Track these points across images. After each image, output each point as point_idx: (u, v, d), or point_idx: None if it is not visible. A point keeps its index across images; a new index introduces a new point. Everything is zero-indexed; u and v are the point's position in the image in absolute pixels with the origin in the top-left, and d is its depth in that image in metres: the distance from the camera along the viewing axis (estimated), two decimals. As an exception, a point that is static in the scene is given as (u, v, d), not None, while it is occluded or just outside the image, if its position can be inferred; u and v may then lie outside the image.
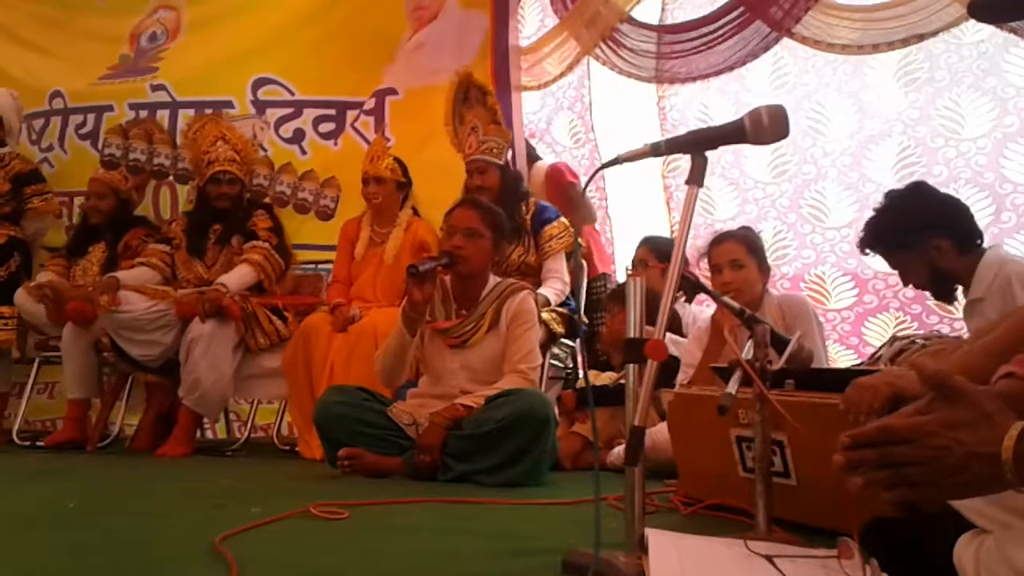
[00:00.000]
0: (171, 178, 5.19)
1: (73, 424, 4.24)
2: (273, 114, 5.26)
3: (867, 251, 2.92)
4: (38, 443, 4.28)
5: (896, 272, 3.03)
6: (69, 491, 2.62)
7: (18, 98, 5.17)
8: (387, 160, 4.22)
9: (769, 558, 1.27)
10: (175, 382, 4.12)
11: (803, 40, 4.46)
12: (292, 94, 5.29)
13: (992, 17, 1.40)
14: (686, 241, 1.46)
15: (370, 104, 5.16)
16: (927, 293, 4.13)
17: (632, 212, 5.12)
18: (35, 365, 4.58)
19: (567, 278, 4.01)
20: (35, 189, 4.94)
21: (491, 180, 4.05)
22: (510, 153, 4.40)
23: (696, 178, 1.47)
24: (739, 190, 4.74)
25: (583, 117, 5.25)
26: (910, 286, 2.99)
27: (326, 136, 5.22)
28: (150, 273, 4.31)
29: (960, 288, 2.82)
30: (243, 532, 1.79)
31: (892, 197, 2.89)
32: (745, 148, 4.61)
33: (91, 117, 5.47)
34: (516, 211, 4.00)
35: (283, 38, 5.36)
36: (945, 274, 2.77)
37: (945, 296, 2.88)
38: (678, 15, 4.91)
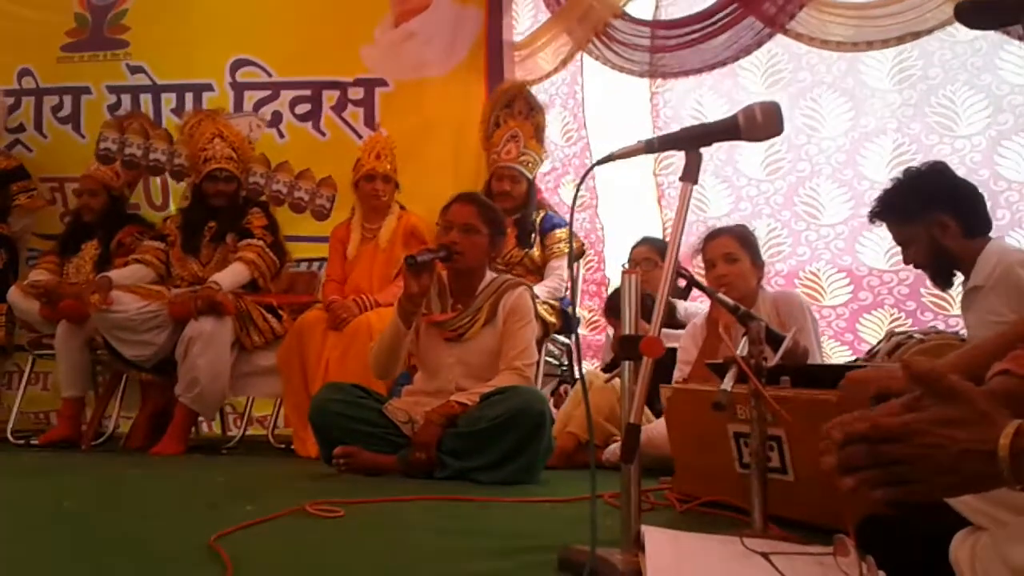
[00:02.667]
0: (167, 174, 5.18)
1: (67, 422, 4.24)
2: (251, 97, 5.23)
3: (875, 220, 2.90)
4: (32, 441, 4.27)
5: (896, 263, 3.01)
6: (63, 490, 2.61)
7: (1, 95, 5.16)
8: (392, 159, 4.24)
9: (765, 555, 1.27)
10: (170, 380, 4.11)
11: (797, 37, 4.46)
12: (269, 75, 5.26)
13: (978, 23, 1.40)
14: (681, 237, 1.46)
15: (358, 94, 5.13)
16: (921, 290, 4.18)
17: (624, 211, 5.13)
18: (29, 363, 4.58)
19: (566, 275, 4.16)
20: (21, 186, 4.94)
21: (519, 191, 4.24)
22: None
23: (690, 175, 1.46)
24: (732, 188, 4.74)
25: (575, 114, 5.23)
26: (910, 265, 2.96)
27: (303, 118, 5.19)
28: (144, 270, 4.31)
29: (959, 277, 2.81)
30: (238, 531, 1.78)
31: (909, 171, 2.89)
32: (738, 145, 4.62)
33: (68, 99, 5.41)
34: (530, 219, 4.24)
35: (260, 15, 5.30)
36: (945, 254, 2.75)
37: (942, 280, 2.86)
38: (672, 11, 4.91)
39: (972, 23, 1.41)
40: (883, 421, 0.87)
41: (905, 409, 0.89)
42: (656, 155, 4.73)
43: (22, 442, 4.28)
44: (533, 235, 4.17)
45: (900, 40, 4.22)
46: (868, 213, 2.92)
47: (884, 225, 2.91)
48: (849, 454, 0.87)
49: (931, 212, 2.74)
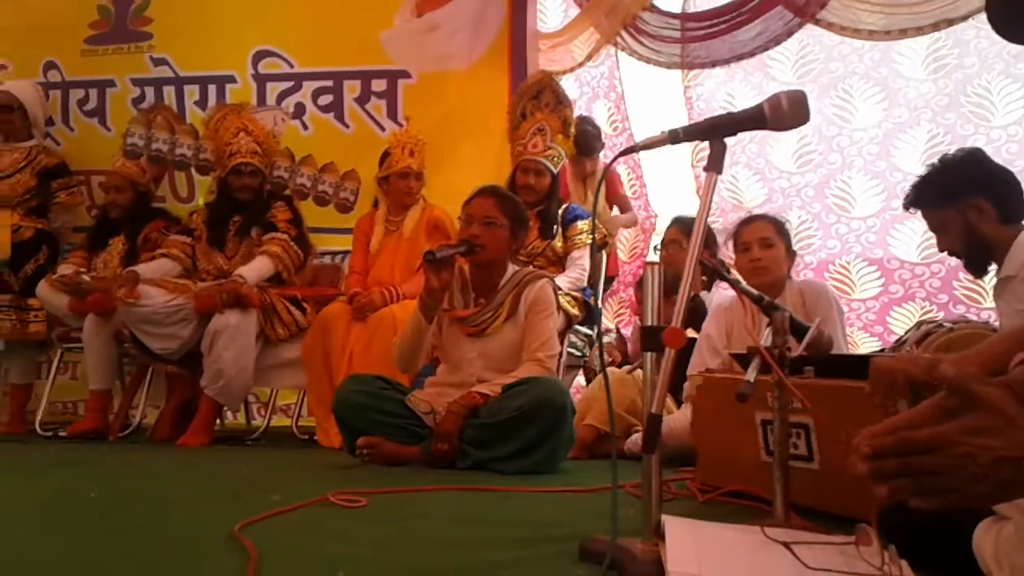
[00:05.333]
0: (192, 169, 5.21)
1: (94, 414, 4.28)
2: (274, 88, 5.24)
3: (911, 209, 2.87)
4: (60, 433, 4.32)
5: (927, 256, 2.94)
6: (90, 481, 2.63)
7: (40, 90, 5.21)
8: (423, 155, 4.26)
9: (787, 544, 1.25)
10: (195, 373, 4.15)
11: (828, 26, 4.40)
12: (291, 66, 5.25)
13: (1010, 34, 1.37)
14: (705, 227, 1.44)
15: (381, 85, 5.13)
16: (953, 283, 4.12)
17: (669, 201, 5.16)
18: (57, 356, 4.65)
19: (587, 265, 4.15)
20: (61, 183, 4.99)
21: (542, 184, 4.21)
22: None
23: (715, 165, 1.45)
24: (764, 180, 4.72)
25: (618, 106, 5.29)
26: (945, 252, 2.91)
27: (326, 110, 5.19)
28: (171, 264, 4.35)
29: (993, 266, 2.77)
30: (262, 520, 1.79)
31: (944, 157, 2.85)
32: (769, 137, 4.58)
33: (93, 92, 5.45)
34: (554, 211, 4.22)
35: (280, 4, 5.31)
36: (981, 240, 2.71)
37: (977, 267, 2.82)
38: (700, 3, 4.88)
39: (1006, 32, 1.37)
40: (914, 434, 0.85)
41: (937, 412, 0.87)
42: (694, 147, 4.74)
43: (50, 434, 4.34)
44: (556, 227, 4.17)
45: (935, 27, 4.15)
46: (903, 201, 2.89)
47: (918, 214, 2.88)
48: (881, 466, 0.86)
49: (966, 196, 2.70)
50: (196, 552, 1.58)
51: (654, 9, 4.89)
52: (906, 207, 2.89)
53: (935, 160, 2.87)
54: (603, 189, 4.89)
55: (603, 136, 5.10)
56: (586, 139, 4.65)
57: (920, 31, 4.19)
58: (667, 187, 5.18)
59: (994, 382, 0.86)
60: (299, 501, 2.01)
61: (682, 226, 4.18)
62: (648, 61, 4.93)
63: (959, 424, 0.84)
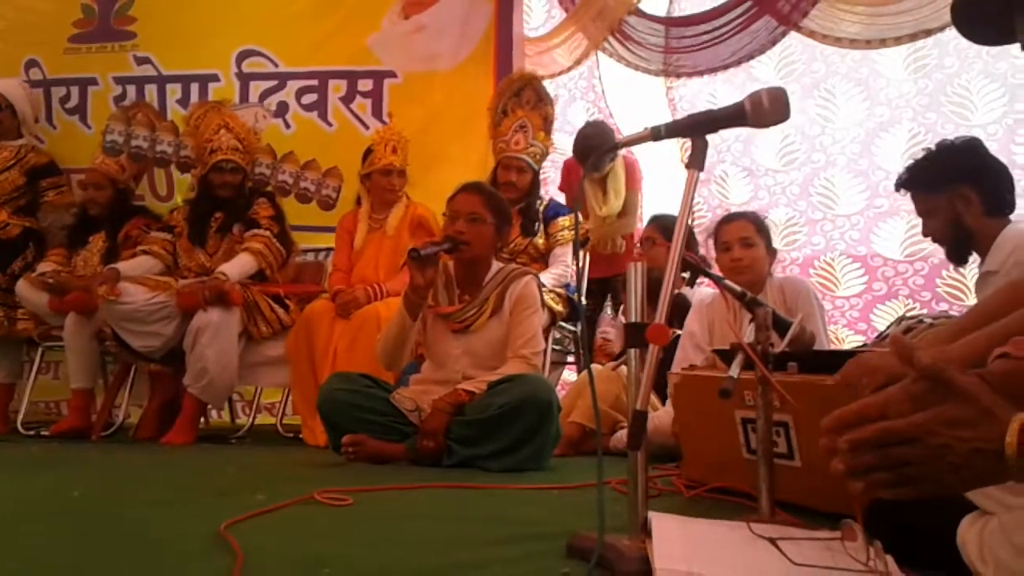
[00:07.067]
0: (172, 166, 5.19)
1: (77, 413, 4.26)
2: (257, 87, 5.23)
3: (901, 189, 2.88)
4: (43, 432, 4.29)
5: (911, 254, 2.95)
6: (74, 480, 2.61)
7: (28, 88, 5.18)
8: (406, 152, 4.25)
9: (773, 540, 1.26)
10: (178, 371, 4.13)
11: (811, 34, 4.47)
12: (276, 65, 5.25)
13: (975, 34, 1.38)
14: (686, 225, 1.45)
15: (367, 85, 5.12)
16: (936, 280, 4.15)
17: (662, 199, 5.17)
18: (39, 354, 4.61)
19: (570, 262, 4.17)
20: (51, 182, 4.97)
21: (524, 181, 4.23)
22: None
23: (696, 162, 1.45)
24: (751, 177, 4.75)
25: (599, 106, 5.28)
26: (928, 237, 2.92)
27: (309, 108, 5.19)
28: (152, 261, 4.33)
29: (976, 256, 2.79)
30: (248, 519, 1.78)
31: (942, 143, 2.86)
32: (754, 137, 4.61)
33: (75, 90, 5.44)
34: (535, 207, 4.25)
35: (267, 5, 5.31)
36: (965, 230, 2.73)
37: (958, 256, 2.84)
38: (685, 7, 4.91)
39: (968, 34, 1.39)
40: (892, 425, 0.86)
41: (905, 397, 0.88)
42: (682, 144, 4.75)
43: (32, 433, 4.31)
44: (537, 223, 4.19)
45: (913, 37, 4.22)
46: (895, 181, 2.90)
47: (900, 212, 2.90)
48: (860, 460, 0.87)
49: (957, 185, 2.72)
50: (181, 552, 1.57)
51: (640, 13, 4.91)
52: (897, 187, 2.90)
53: (931, 145, 2.88)
54: (623, 180, 4.84)
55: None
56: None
57: (899, 40, 4.25)
58: (658, 186, 5.18)
59: (971, 373, 0.87)
60: (284, 500, 2.00)
61: (658, 224, 4.18)
62: (636, 68, 4.96)
63: (936, 414, 0.85)
